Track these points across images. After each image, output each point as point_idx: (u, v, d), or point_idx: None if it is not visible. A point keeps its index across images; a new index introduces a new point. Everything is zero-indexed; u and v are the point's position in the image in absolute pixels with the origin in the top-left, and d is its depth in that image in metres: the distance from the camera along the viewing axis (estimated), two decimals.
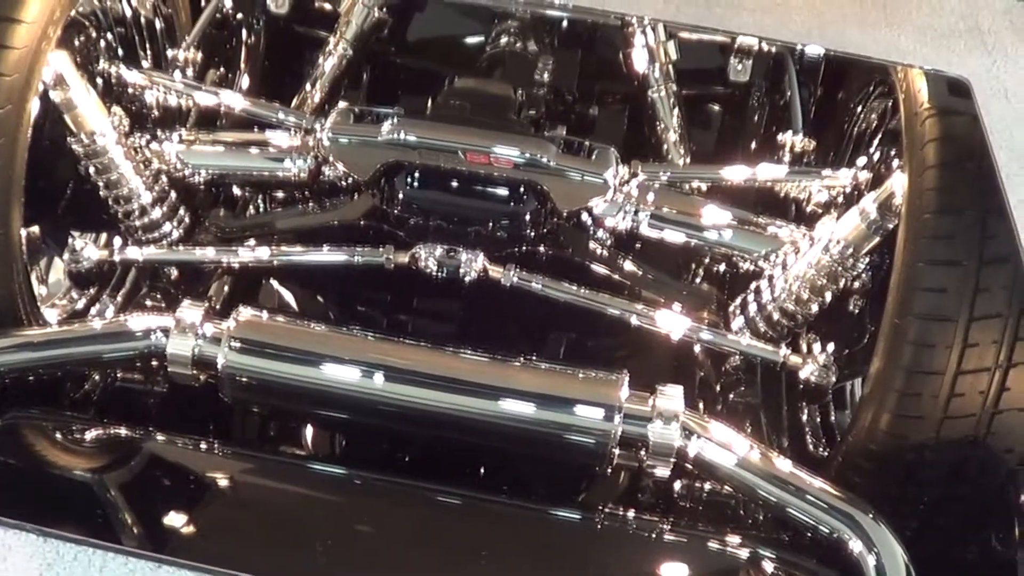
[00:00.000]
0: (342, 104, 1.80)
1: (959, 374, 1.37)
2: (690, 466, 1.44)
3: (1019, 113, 1.34)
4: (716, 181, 1.84)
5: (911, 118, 1.50)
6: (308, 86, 2.12)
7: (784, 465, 1.42)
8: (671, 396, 1.45)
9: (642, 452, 1.42)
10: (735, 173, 1.84)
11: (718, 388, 1.74)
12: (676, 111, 2.03)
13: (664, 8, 1.49)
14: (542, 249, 1.74)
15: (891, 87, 1.66)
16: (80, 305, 1.89)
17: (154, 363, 1.56)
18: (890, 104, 1.73)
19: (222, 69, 2.19)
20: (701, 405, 1.67)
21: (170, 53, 2.05)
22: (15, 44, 1.57)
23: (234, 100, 1.91)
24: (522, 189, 1.65)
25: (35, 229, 1.76)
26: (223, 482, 1.50)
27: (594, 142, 1.73)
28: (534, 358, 1.51)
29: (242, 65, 2.22)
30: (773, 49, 2.00)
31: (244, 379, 1.49)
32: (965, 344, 1.37)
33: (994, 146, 1.29)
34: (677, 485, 1.55)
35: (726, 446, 1.42)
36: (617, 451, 1.44)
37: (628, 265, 1.78)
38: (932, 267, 1.40)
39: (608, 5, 1.53)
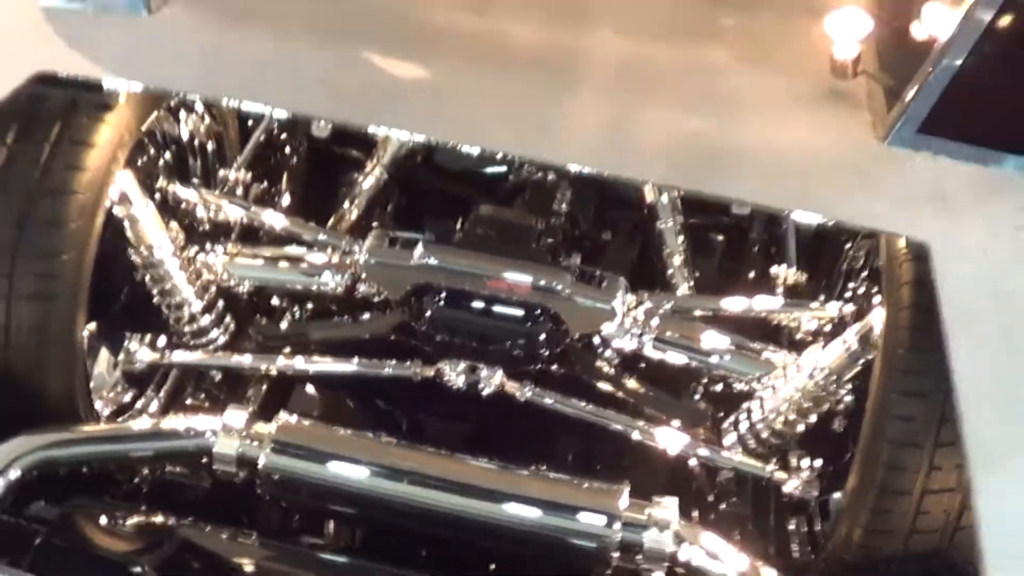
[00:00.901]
0: (378, 229, 2.00)
1: (925, 493, 1.55)
2: (682, 571, 1.61)
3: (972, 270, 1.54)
4: (716, 311, 2.02)
5: (890, 262, 1.68)
6: (346, 204, 2.32)
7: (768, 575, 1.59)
8: (666, 507, 1.62)
9: (638, 557, 1.59)
10: (733, 304, 2.04)
11: (711, 499, 1.90)
12: (681, 241, 2.23)
13: (667, 173, 1.69)
14: (555, 367, 1.93)
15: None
16: (127, 399, 2.07)
17: (202, 460, 1.74)
18: (874, 245, 1.92)
19: (267, 184, 2.39)
20: (696, 514, 1.83)
21: (221, 172, 2.25)
22: (88, 166, 1.77)
23: (277, 219, 2.11)
24: (538, 313, 1.83)
25: (92, 327, 1.93)
26: (259, 571, 1.67)
27: (605, 271, 1.91)
28: (544, 468, 1.69)
29: (285, 183, 2.43)
30: None
31: (282, 478, 1.67)
32: (931, 467, 1.54)
33: (944, 301, 1.47)
34: None
35: (715, 555, 1.59)
36: (616, 555, 1.61)
37: (632, 383, 1.96)
38: (903, 397, 1.58)
39: (612, 169, 1.73)
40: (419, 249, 1.88)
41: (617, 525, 1.59)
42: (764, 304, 2.04)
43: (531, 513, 1.61)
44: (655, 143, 1.74)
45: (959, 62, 1.69)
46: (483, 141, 1.77)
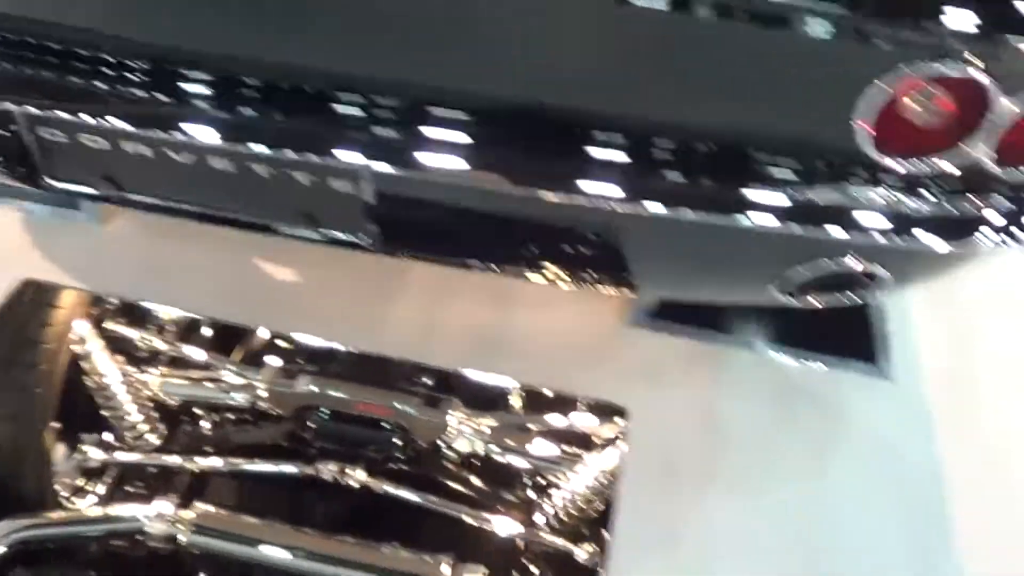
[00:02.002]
0: (271, 365, 2.67)
1: None
2: None
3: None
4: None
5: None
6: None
7: None
8: (476, 571, 2.29)
9: None
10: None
11: (523, 567, 2.55)
12: None
13: (461, 358, 2.38)
14: (407, 467, 2.59)
15: None
16: (81, 483, 2.73)
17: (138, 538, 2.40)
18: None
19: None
20: None
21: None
22: (55, 322, 2.45)
23: (199, 353, 2.78)
24: (392, 426, 2.50)
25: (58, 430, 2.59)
26: None
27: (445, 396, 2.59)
28: (394, 543, 2.33)
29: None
30: None
31: (200, 553, 2.34)
32: None
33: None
34: None
35: None
36: None
37: (470, 478, 2.62)
38: None
39: (421, 357, 2.42)
40: (303, 379, 2.55)
41: None
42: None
43: None
44: (456, 333, 2.46)
45: None
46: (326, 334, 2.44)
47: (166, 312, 2.74)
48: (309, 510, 2.59)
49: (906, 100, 1.38)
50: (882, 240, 1.54)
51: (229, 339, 2.81)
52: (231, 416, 2.68)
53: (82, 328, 2.55)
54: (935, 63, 1.34)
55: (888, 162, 1.46)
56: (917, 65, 1.34)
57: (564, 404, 2.43)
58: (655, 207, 1.55)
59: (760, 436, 2.37)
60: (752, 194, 1.54)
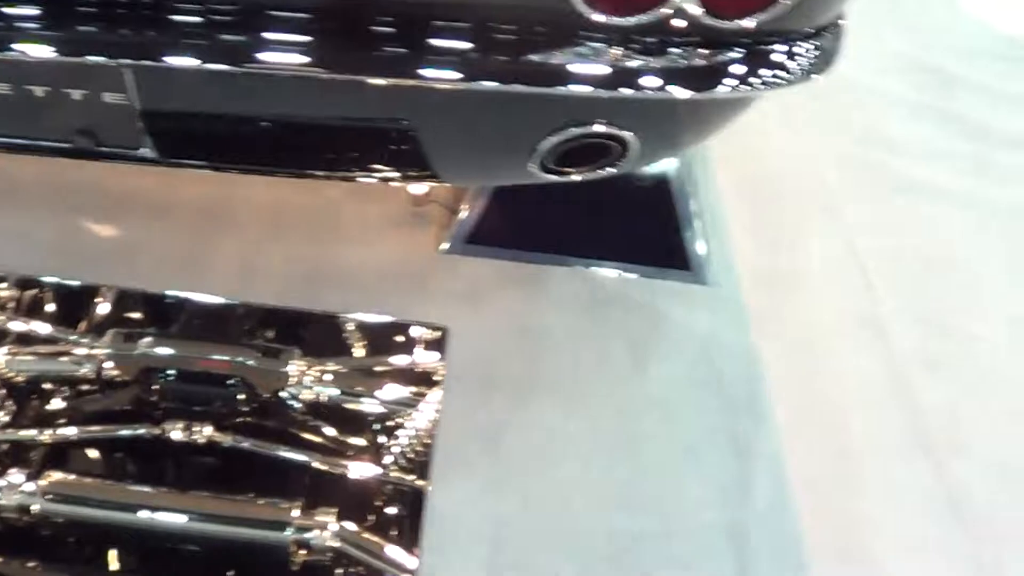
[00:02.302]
0: (112, 331, 2.71)
1: None
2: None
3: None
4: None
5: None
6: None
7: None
8: (330, 513, 2.35)
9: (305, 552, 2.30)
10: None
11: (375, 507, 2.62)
12: None
13: (284, 294, 2.46)
14: (253, 419, 2.65)
15: None
16: None
17: None
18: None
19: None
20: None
21: None
22: None
23: (43, 327, 2.81)
24: (235, 381, 2.56)
25: None
26: None
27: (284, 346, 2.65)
28: (249, 494, 2.40)
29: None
30: None
31: (54, 521, 2.38)
32: None
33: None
34: None
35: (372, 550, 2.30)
36: (293, 551, 2.31)
37: (316, 424, 2.69)
38: None
39: (245, 296, 2.48)
40: (143, 342, 2.60)
41: (290, 530, 2.32)
42: None
43: (234, 526, 2.26)
44: (278, 271, 2.53)
45: (489, 190, 2.54)
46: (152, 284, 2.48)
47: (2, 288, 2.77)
48: (162, 470, 2.62)
49: None
50: (609, 94, 1.61)
51: (72, 309, 2.85)
52: (80, 386, 2.73)
53: None
54: None
55: (604, 19, 1.54)
56: None
57: (386, 330, 2.50)
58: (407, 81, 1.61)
59: (577, 344, 2.44)
60: (490, 61, 1.61)
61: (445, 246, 2.55)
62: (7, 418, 2.64)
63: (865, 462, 2.32)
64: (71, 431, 2.57)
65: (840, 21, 1.84)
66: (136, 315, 2.81)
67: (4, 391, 2.67)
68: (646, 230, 2.61)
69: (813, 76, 1.73)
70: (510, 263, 2.59)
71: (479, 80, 1.61)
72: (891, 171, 3.21)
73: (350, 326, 2.54)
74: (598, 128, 1.72)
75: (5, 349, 2.69)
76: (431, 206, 2.62)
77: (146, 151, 1.92)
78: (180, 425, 2.51)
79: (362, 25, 1.60)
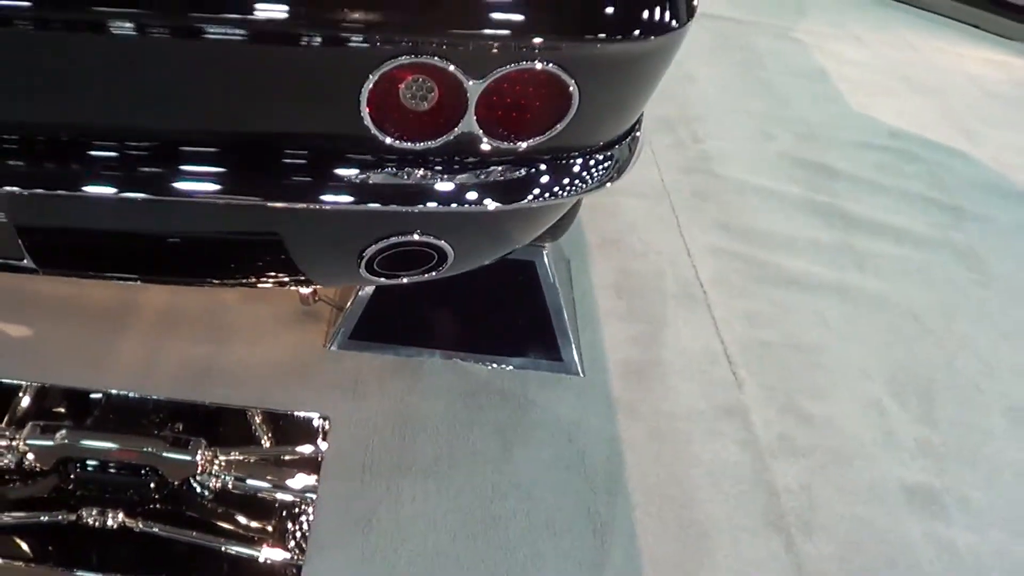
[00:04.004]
0: (31, 423, 2.92)
1: None
2: None
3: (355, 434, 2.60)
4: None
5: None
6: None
7: None
8: None
9: None
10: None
11: None
12: None
13: (177, 389, 2.69)
14: (163, 506, 2.86)
15: None
16: None
17: None
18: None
19: None
20: None
21: None
22: None
23: None
24: (146, 469, 2.77)
25: None
26: None
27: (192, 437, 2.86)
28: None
29: None
30: None
31: None
32: None
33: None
34: None
35: None
36: None
37: (220, 508, 2.89)
38: None
39: (148, 392, 2.69)
40: (60, 433, 2.82)
41: None
42: None
43: None
44: (175, 365, 2.76)
45: (371, 290, 2.78)
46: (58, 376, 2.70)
47: None
48: (82, 556, 2.80)
49: (401, 89, 1.65)
50: (413, 209, 1.81)
51: None
52: (2, 475, 2.94)
53: None
54: (409, 58, 1.61)
55: (398, 144, 1.73)
56: (397, 61, 1.61)
57: (274, 420, 2.73)
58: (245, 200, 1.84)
59: (448, 431, 2.61)
60: (311, 184, 1.84)
61: (331, 342, 2.77)
62: None
63: (719, 541, 2.49)
64: None
65: (636, 133, 2.05)
66: (54, 408, 3.03)
67: None
68: (517, 324, 2.83)
69: (607, 184, 1.94)
70: (392, 356, 2.80)
71: (295, 201, 1.83)
72: (763, 264, 3.44)
73: (244, 418, 2.76)
74: (415, 238, 1.90)
75: None
76: (319, 305, 2.85)
77: (27, 262, 2.11)
78: (95, 511, 2.72)
79: (186, 154, 1.80)
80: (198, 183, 1.80)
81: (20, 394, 2.94)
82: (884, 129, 4.37)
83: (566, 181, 1.89)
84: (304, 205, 1.79)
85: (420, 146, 1.73)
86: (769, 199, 3.73)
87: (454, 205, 1.81)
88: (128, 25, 1.57)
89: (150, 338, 2.74)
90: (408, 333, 2.78)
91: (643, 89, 1.93)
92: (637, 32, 1.72)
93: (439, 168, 1.80)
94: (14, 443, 2.83)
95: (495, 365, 2.82)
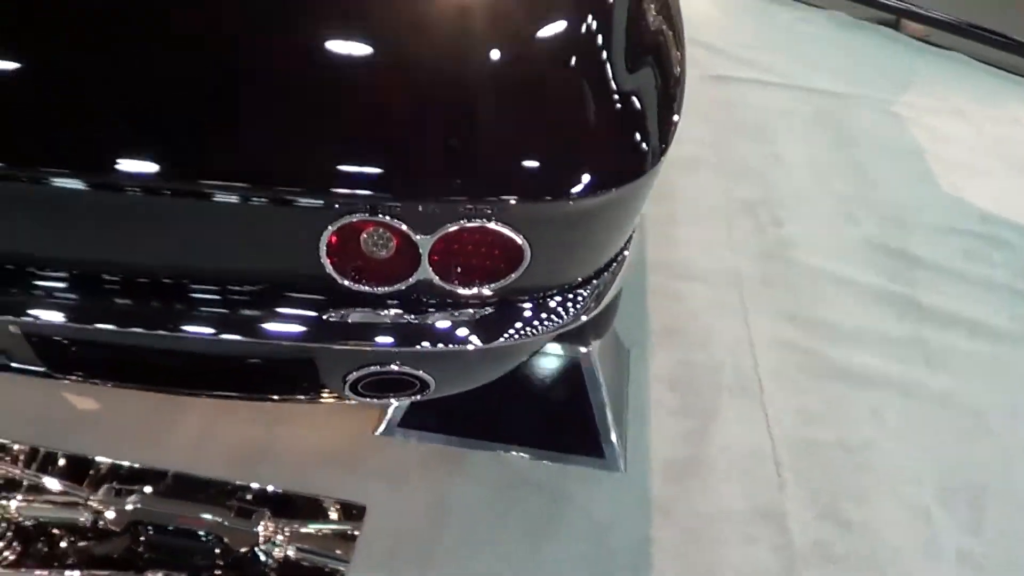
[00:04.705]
0: (107, 486, 3.13)
1: None
2: None
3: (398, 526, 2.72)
4: None
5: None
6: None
7: None
8: None
9: None
10: None
11: None
12: None
13: (230, 469, 2.84)
14: (223, 572, 3.03)
15: None
16: None
17: None
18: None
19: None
20: None
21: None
22: None
23: (52, 483, 3.23)
24: (211, 536, 2.94)
25: None
26: None
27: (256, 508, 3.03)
28: None
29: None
30: None
31: None
32: None
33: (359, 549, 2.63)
34: None
35: None
36: None
37: None
38: None
39: (202, 471, 2.87)
40: (132, 498, 3.01)
41: None
42: None
43: None
44: (228, 446, 2.91)
45: None
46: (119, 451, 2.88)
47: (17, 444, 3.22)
48: None
49: (362, 238, 1.76)
50: (395, 349, 1.92)
51: (75, 469, 3.28)
52: (78, 534, 3.15)
53: None
54: (361, 215, 1.72)
55: (364, 288, 1.84)
56: (350, 218, 1.72)
57: (315, 503, 2.87)
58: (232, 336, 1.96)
59: (481, 522, 2.71)
60: (297, 321, 1.94)
61: (380, 430, 2.90)
62: (13, 557, 3.07)
63: None
64: (73, 573, 2.99)
65: (616, 263, 2.09)
66: (128, 476, 3.23)
67: (12, 534, 3.10)
68: (561, 419, 2.92)
69: (583, 317, 2.00)
70: (437, 445, 2.91)
71: (269, 339, 1.94)
72: (825, 357, 3.44)
73: (288, 500, 2.92)
74: (394, 368, 2.02)
75: (19, 497, 3.14)
76: None
77: (41, 368, 2.25)
78: (161, 573, 2.91)
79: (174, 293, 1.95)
80: (195, 326, 1.93)
81: (98, 463, 3.13)
82: (976, 213, 4.28)
83: (534, 320, 1.96)
84: (284, 342, 1.91)
85: (382, 290, 1.84)
86: (843, 288, 3.72)
87: (423, 344, 1.90)
88: (147, 189, 1.72)
89: (208, 417, 2.90)
90: (454, 423, 2.89)
91: (612, 234, 1.98)
92: (588, 189, 1.76)
93: (406, 309, 1.91)
94: (90, 503, 3.04)
95: (537, 458, 2.89)
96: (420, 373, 2.03)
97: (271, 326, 1.92)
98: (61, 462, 3.20)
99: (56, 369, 2.14)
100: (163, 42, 1.78)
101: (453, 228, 1.73)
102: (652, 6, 2.24)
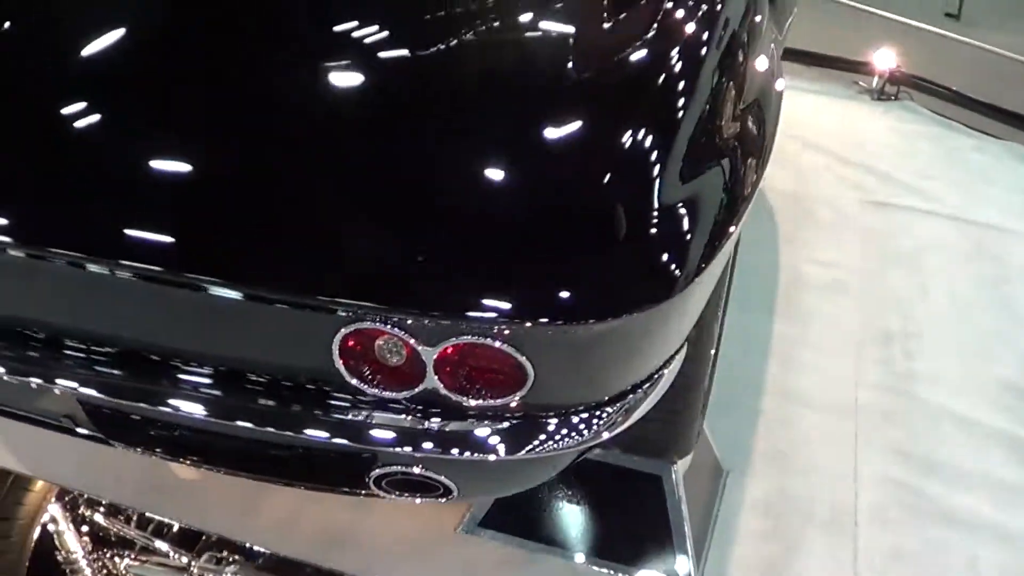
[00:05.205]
0: (208, 554, 3.32)
1: None
2: None
3: None
4: None
5: None
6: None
7: None
8: None
9: None
10: None
11: None
12: None
13: (300, 546, 2.98)
14: None
15: None
16: None
17: None
18: None
19: None
20: None
21: None
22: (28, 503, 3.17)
23: (162, 544, 3.45)
24: None
25: None
26: None
27: None
28: None
29: None
30: None
31: None
32: None
33: None
34: None
35: None
36: None
37: None
38: None
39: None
40: (229, 568, 3.19)
41: None
42: None
43: None
44: (314, 528, 3.05)
45: None
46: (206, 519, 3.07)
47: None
48: None
49: (377, 344, 1.87)
50: (412, 453, 1.99)
51: (183, 536, 3.51)
52: None
53: (55, 510, 3.28)
54: (371, 323, 1.82)
55: (372, 391, 1.93)
56: (363, 324, 1.83)
57: None
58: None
59: None
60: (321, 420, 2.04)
61: (461, 526, 3.00)
62: None
63: None
64: None
65: (653, 380, 2.09)
66: (233, 547, 3.43)
67: None
68: (638, 534, 2.97)
69: (604, 434, 2.02)
70: (513, 548, 2.98)
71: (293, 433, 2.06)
72: (931, 499, 3.37)
73: None
74: (416, 471, 2.08)
75: (131, 556, 3.37)
76: None
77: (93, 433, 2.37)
78: None
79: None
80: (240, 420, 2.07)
81: (207, 532, 3.31)
82: None
83: (556, 435, 1.99)
84: (309, 437, 2.02)
85: (390, 395, 1.94)
86: (965, 429, 3.65)
87: (430, 449, 1.97)
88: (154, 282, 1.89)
89: (299, 496, 3.04)
90: (532, 527, 2.98)
91: (634, 358, 2.00)
92: (593, 314, 1.80)
93: (418, 414, 1.98)
94: (193, 569, 3.25)
95: (610, 571, 2.93)
96: (442, 478, 2.08)
97: (284, 421, 2.03)
98: (174, 527, 3.41)
99: (110, 436, 2.30)
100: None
101: (454, 342, 1.80)
102: (721, 116, 2.28)
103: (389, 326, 1.83)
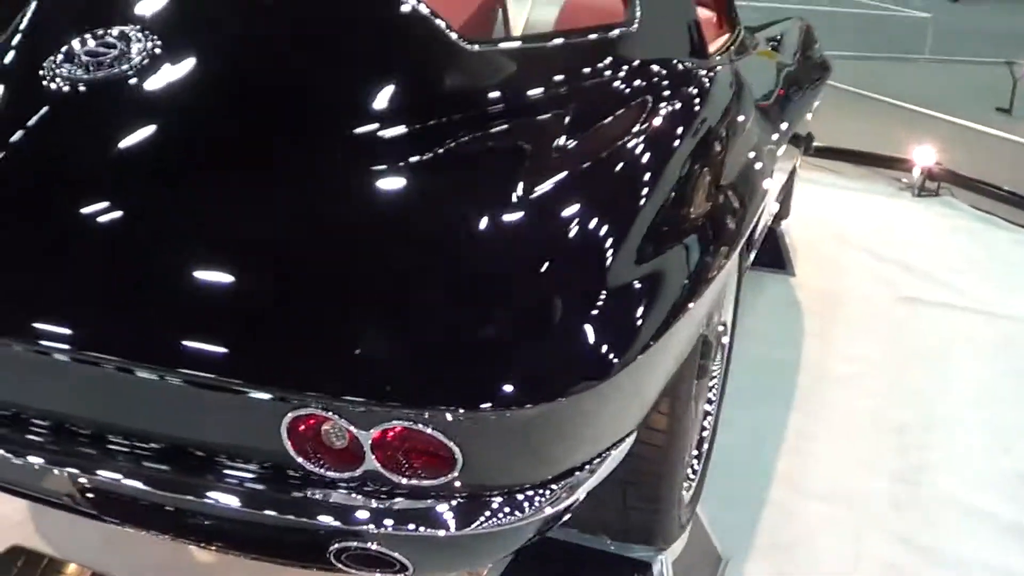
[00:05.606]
0: None
1: None
2: None
3: None
4: None
5: None
6: None
7: None
8: None
9: None
10: None
11: None
12: None
13: None
14: None
15: None
16: None
17: None
18: None
19: None
20: None
21: None
22: None
23: None
24: None
25: None
26: None
27: None
28: None
29: None
30: None
31: None
32: None
33: None
34: None
35: None
36: None
37: None
38: None
39: None
40: None
41: None
42: None
43: None
44: None
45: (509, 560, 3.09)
46: None
47: None
48: None
49: (324, 429, 2.00)
50: (365, 529, 2.05)
51: None
52: None
53: None
54: (307, 409, 1.95)
55: (318, 470, 2.03)
56: (307, 410, 1.95)
57: None
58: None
59: None
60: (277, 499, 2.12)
61: None
62: None
63: None
64: None
65: (601, 458, 2.14)
66: None
67: None
68: None
69: (548, 509, 2.07)
70: None
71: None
72: None
73: None
74: (372, 547, 2.11)
75: None
76: None
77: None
78: None
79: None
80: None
81: None
82: None
83: (500, 512, 2.05)
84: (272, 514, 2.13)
85: (338, 475, 2.04)
86: (972, 518, 3.67)
87: (375, 527, 2.05)
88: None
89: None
90: None
91: (568, 441, 2.08)
92: (512, 401, 1.88)
93: (370, 494, 2.06)
94: None
95: None
96: (396, 555, 2.16)
97: (246, 499, 2.14)
98: None
99: (104, 513, 2.42)
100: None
101: (386, 426, 1.93)
102: (678, 204, 2.39)
103: (330, 412, 1.97)
